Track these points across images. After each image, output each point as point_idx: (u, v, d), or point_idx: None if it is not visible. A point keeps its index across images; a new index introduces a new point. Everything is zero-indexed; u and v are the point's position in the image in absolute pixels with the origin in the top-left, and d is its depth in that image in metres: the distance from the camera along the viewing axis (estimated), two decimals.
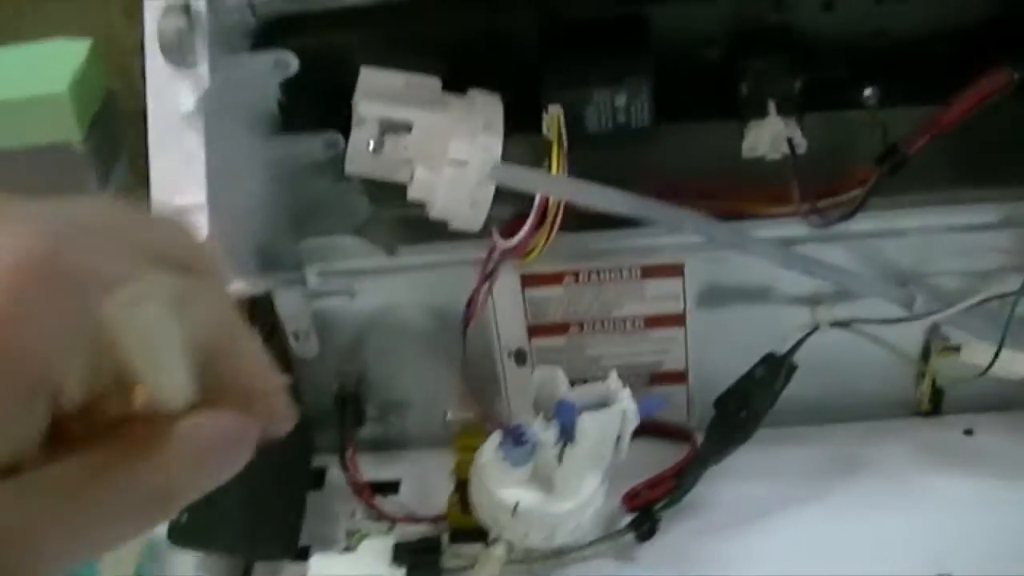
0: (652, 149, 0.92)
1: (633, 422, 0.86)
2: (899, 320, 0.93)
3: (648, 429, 0.93)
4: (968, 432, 1.00)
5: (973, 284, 0.94)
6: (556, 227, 0.86)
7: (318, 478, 1.02)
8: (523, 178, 0.85)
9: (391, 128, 0.86)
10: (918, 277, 0.94)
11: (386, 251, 0.95)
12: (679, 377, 0.98)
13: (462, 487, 0.93)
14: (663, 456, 0.96)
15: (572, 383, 0.89)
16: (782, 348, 0.92)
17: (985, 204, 0.93)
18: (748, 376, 0.92)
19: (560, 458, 0.84)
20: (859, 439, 1.00)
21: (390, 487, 1.01)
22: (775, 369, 0.91)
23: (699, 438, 0.96)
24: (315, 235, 0.96)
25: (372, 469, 1.00)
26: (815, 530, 0.92)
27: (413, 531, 0.95)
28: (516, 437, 0.85)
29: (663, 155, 0.92)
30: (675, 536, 0.93)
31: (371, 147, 0.86)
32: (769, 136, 0.88)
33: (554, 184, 0.85)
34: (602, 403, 0.86)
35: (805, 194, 0.89)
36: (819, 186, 0.90)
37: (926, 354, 0.98)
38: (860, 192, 0.88)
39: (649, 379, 0.99)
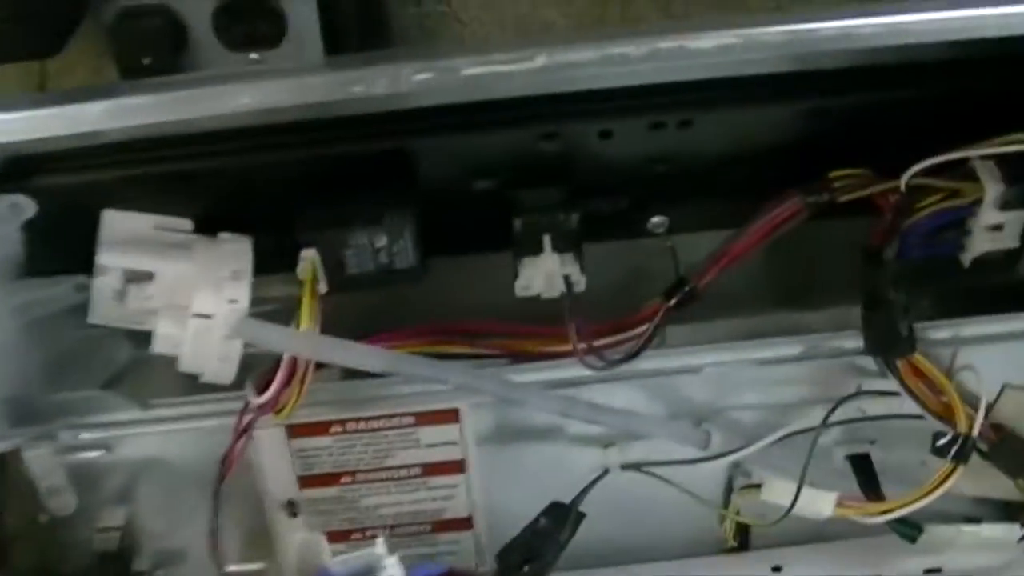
0: (423, 286, 0.85)
1: None
2: (696, 460, 0.87)
3: None
4: (776, 569, 0.94)
5: (774, 418, 0.88)
6: (306, 384, 0.79)
7: None
8: (268, 336, 0.77)
9: (134, 277, 0.79)
10: (715, 414, 0.89)
11: (139, 405, 0.87)
12: (464, 524, 0.91)
13: None
14: None
15: (347, 535, 0.86)
16: (574, 489, 0.85)
17: (784, 337, 0.87)
18: (531, 527, 0.85)
19: None
20: None
21: None
22: (560, 518, 0.85)
23: None
24: (71, 386, 0.87)
25: None
26: None
27: None
28: None
29: (435, 292, 0.86)
30: None
31: (113, 297, 0.80)
32: (544, 274, 0.82)
33: (301, 342, 0.78)
34: (368, 571, 0.79)
35: (583, 333, 0.82)
36: (602, 323, 0.84)
37: (728, 491, 0.91)
38: (646, 328, 0.82)
39: (432, 527, 0.91)
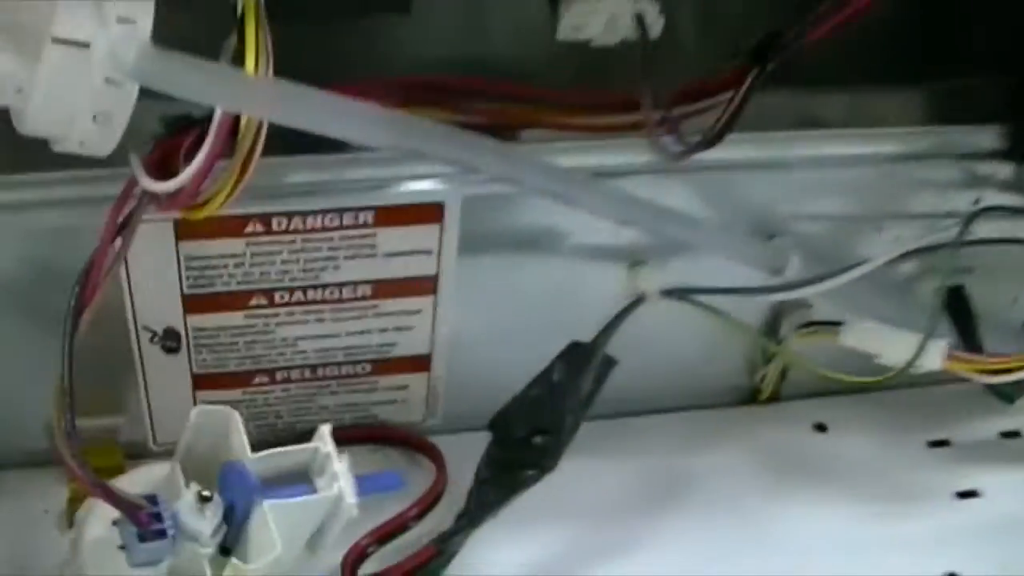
0: (404, 27, 0.56)
1: (348, 513, 0.54)
2: (761, 290, 0.62)
3: (376, 436, 0.64)
4: (820, 428, 0.71)
5: (863, 238, 0.66)
6: (252, 165, 0.48)
7: None
8: (192, 78, 0.45)
9: None
10: (787, 227, 0.64)
11: None
12: (418, 365, 0.64)
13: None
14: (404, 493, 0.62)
15: (246, 379, 0.60)
16: (579, 322, 0.60)
17: (904, 128, 0.64)
18: (543, 380, 0.59)
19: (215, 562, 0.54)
20: (683, 447, 0.70)
21: None
22: (581, 364, 0.59)
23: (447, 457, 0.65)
24: None
25: None
26: None
27: None
28: (143, 520, 0.51)
29: (424, 33, 0.57)
30: None
31: None
32: (607, 9, 0.53)
33: (249, 90, 0.47)
34: (300, 472, 0.54)
35: (656, 100, 0.55)
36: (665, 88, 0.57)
37: (775, 328, 0.69)
38: (729, 99, 0.55)
39: (372, 368, 0.63)
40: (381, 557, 0.62)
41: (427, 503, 0.63)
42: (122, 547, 0.52)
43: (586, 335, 0.61)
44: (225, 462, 0.54)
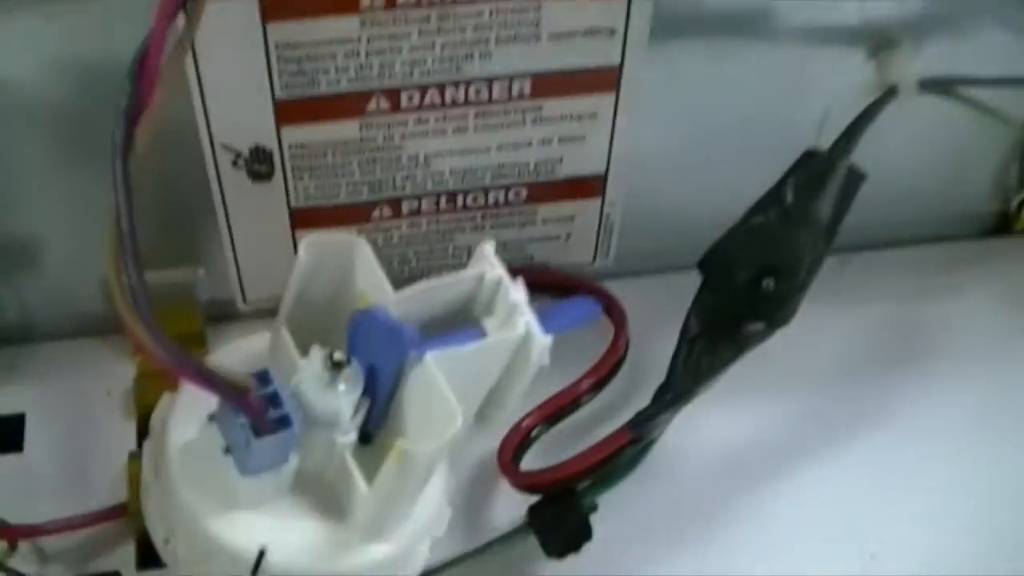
0: None
1: (539, 360, 0.39)
2: None
3: (532, 283, 0.42)
4: None
5: None
6: None
7: None
8: None
9: None
10: None
11: None
12: (589, 188, 0.48)
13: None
14: (571, 357, 0.46)
15: (363, 213, 0.46)
16: (805, 136, 0.45)
17: None
18: (770, 203, 0.43)
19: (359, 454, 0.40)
20: (924, 288, 0.56)
21: (4, 435, 0.49)
22: (820, 181, 0.43)
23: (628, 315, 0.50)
24: None
25: None
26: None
27: (58, 547, 0.46)
28: (255, 407, 0.35)
29: None
30: (623, 540, 0.48)
31: None
32: None
33: None
34: (456, 313, 0.40)
35: None
36: None
37: None
38: None
39: (528, 194, 0.47)
40: (548, 444, 0.48)
41: (605, 370, 0.49)
42: (227, 450, 0.37)
43: (824, 133, 0.45)
44: (356, 311, 0.38)
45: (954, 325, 0.56)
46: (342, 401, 0.37)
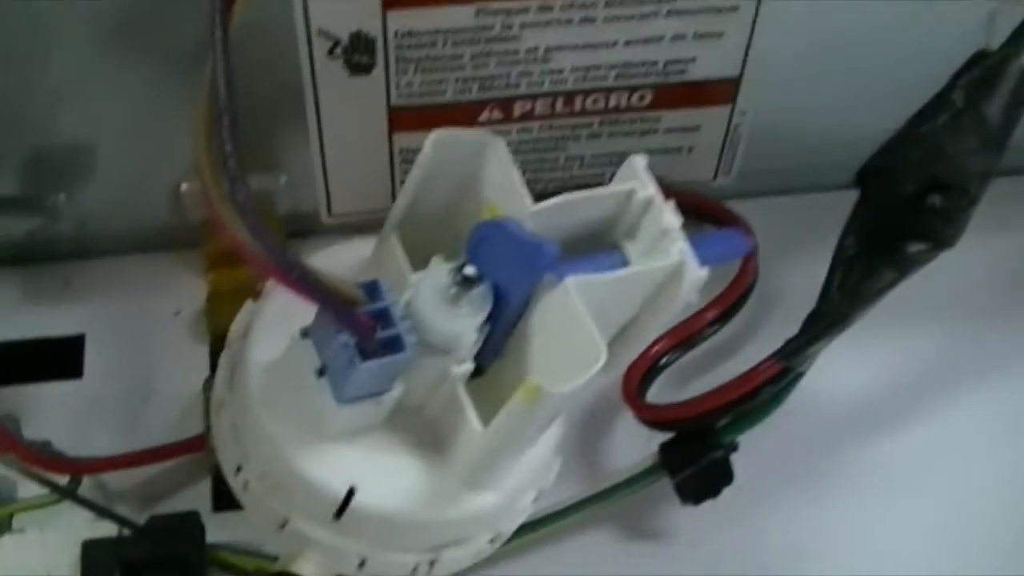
0: None
1: (689, 293, 0.33)
2: None
3: None
4: None
5: None
6: None
7: None
8: None
9: None
10: None
11: None
12: (719, 93, 0.42)
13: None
14: None
15: (473, 111, 0.40)
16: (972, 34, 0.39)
17: None
18: (937, 109, 0.37)
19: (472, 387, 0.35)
20: None
21: (60, 357, 0.44)
22: (990, 84, 0.37)
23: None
24: None
25: (24, 313, 0.46)
26: None
27: (123, 484, 0.42)
28: (363, 323, 0.30)
29: None
30: (763, 484, 0.43)
31: None
32: None
33: None
34: (597, 235, 0.34)
35: None
36: None
37: None
38: None
39: (653, 98, 0.41)
40: (670, 378, 0.43)
41: (731, 299, 0.43)
42: (321, 372, 0.31)
43: (994, 31, 0.38)
44: (482, 222, 0.32)
45: None
46: (465, 324, 0.31)
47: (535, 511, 0.38)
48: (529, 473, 0.35)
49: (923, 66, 0.39)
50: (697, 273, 0.32)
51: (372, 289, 0.31)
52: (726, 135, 0.45)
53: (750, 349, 0.43)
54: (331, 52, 0.39)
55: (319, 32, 0.38)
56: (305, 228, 0.45)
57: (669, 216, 0.33)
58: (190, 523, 0.38)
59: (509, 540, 0.37)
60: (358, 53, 0.39)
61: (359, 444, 0.33)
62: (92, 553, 0.38)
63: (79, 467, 0.40)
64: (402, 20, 0.38)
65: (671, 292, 0.33)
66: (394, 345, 0.30)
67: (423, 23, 0.38)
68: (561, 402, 0.31)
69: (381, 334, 0.30)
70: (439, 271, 0.31)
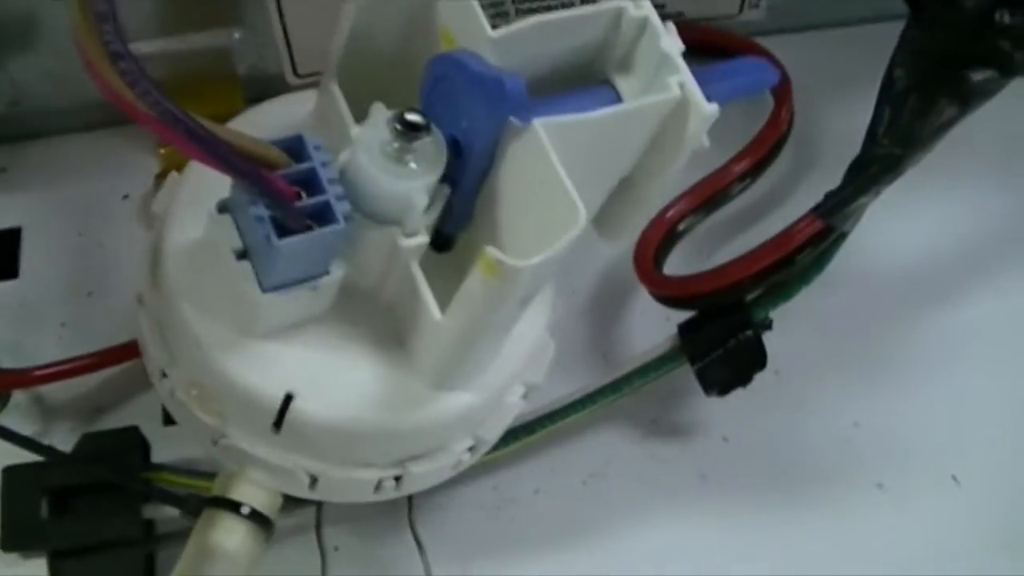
0: None
1: (693, 141, 0.27)
2: None
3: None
4: None
5: None
6: None
7: None
8: None
9: None
10: None
11: None
12: None
13: None
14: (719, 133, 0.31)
15: None
16: None
17: None
18: None
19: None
20: None
21: None
22: None
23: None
24: None
25: None
26: None
27: (63, 397, 0.37)
28: (279, 188, 0.24)
29: None
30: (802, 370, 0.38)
31: None
32: None
33: None
34: (586, 68, 0.28)
35: None
36: None
37: None
38: None
39: None
40: (695, 244, 0.38)
41: (763, 148, 0.37)
42: (242, 254, 0.25)
43: None
44: (436, 56, 0.26)
45: None
46: (414, 184, 0.25)
47: (529, 410, 0.32)
48: (513, 365, 0.29)
49: None
50: (704, 110, 0.26)
51: (295, 145, 0.25)
52: None
53: (786, 208, 0.38)
54: None
55: None
56: (273, 91, 0.39)
57: (668, 41, 0.26)
58: (128, 441, 0.34)
59: (497, 447, 0.31)
60: None
61: (300, 341, 0.27)
62: (14, 480, 0.33)
63: (8, 381, 0.34)
64: None
65: (675, 135, 0.26)
66: (323, 216, 0.24)
67: None
68: (533, 278, 0.24)
69: (306, 202, 0.24)
70: (379, 119, 0.25)
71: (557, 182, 0.24)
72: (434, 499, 0.34)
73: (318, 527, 0.32)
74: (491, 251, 0.23)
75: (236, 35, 0.39)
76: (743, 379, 0.34)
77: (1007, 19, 0.32)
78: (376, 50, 0.28)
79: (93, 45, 0.22)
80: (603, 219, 0.29)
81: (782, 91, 0.38)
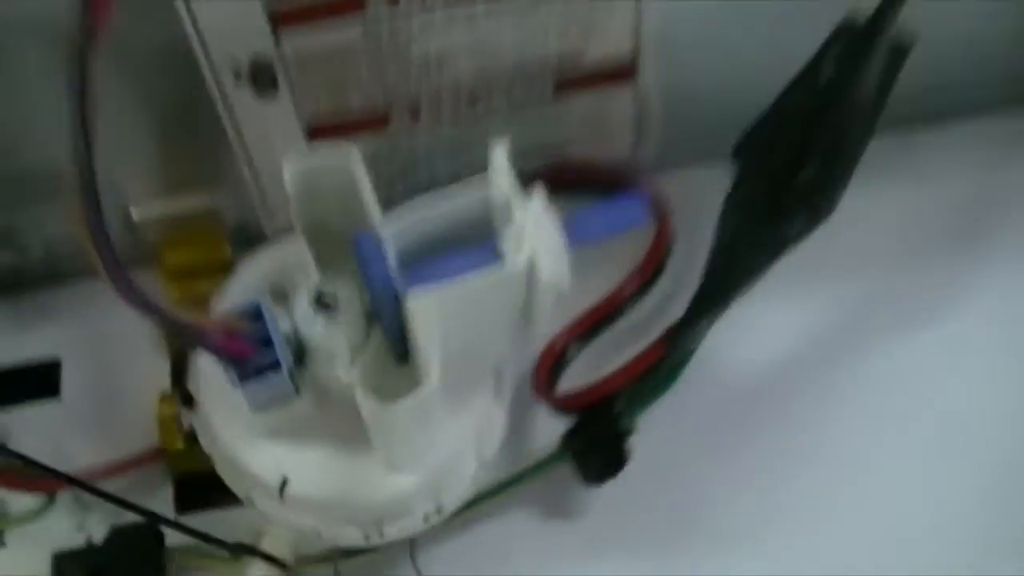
0: None
1: (548, 298, 0.34)
2: None
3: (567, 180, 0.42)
4: None
5: None
6: None
7: None
8: None
9: None
10: None
11: None
12: (618, 74, 0.42)
13: (180, 377, 0.44)
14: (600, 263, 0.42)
15: (378, 122, 0.40)
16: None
17: None
18: (807, 80, 0.37)
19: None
20: (991, 161, 0.48)
21: (38, 380, 0.47)
22: (860, 51, 0.36)
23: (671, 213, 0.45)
24: None
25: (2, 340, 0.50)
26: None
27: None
28: (228, 350, 0.32)
29: None
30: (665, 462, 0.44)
31: None
32: None
33: None
34: (479, 224, 0.33)
35: None
36: None
37: None
38: None
39: (555, 84, 0.42)
40: (593, 358, 0.44)
41: (647, 273, 0.44)
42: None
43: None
44: (355, 233, 0.34)
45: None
46: (335, 339, 0.33)
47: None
48: (460, 444, 0.36)
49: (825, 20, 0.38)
50: (549, 278, 0.33)
51: (254, 313, 0.32)
52: (635, 113, 0.44)
53: (669, 318, 0.42)
54: (237, 79, 0.39)
55: (221, 61, 0.38)
56: (255, 238, 0.45)
57: (523, 216, 0.33)
58: (147, 532, 0.41)
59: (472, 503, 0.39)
60: (262, 77, 0.39)
61: (293, 435, 0.36)
62: (61, 564, 0.41)
63: (54, 483, 0.42)
64: (295, 42, 0.38)
65: (533, 291, 0.33)
66: (271, 367, 0.32)
67: (315, 43, 0.39)
68: (404, 416, 0.32)
69: (259, 358, 0.32)
70: (303, 296, 0.33)
71: (419, 345, 0.32)
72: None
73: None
74: (360, 395, 0.32)
75: (220, 197, 0.45)
76: (613, 472, 0.40)
77: (811, 174, 0.37)
78: (324, 216, 0.34)
79: (87, 242, 0.29)
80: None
81: (662, 220, 0.44)
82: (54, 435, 0.45)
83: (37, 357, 0.48)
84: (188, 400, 0.40)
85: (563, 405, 0.42)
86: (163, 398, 0.43)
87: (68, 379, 0.47)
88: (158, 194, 0.43)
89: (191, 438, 0.41)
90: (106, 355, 0.47)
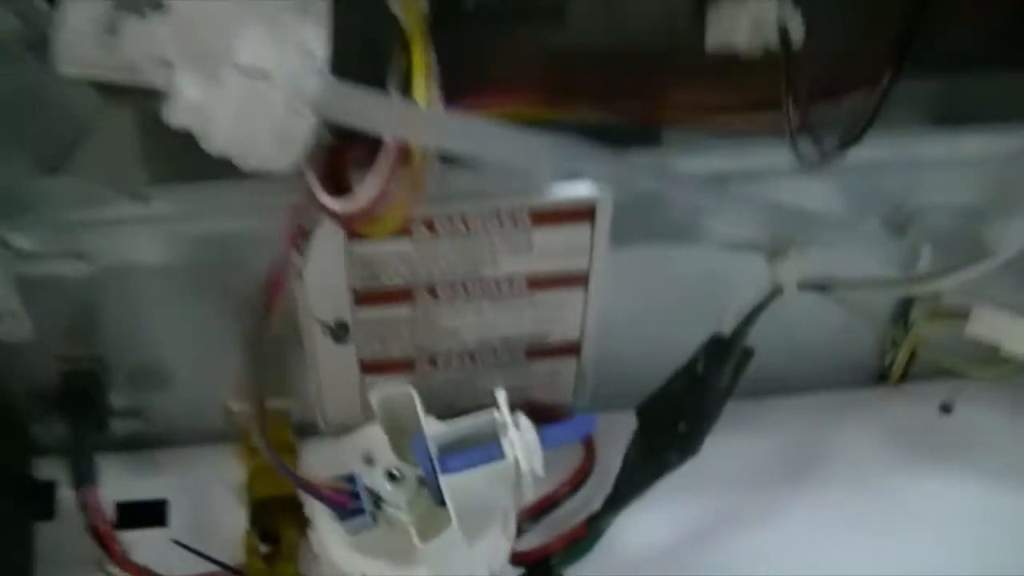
0: (557, 27, 0.56)
1: (528, 481, 0.53)
2: (896, 283, 0.62)
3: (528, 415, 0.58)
4: (945, 409, 0.70)
5: (991, 230, 0.61)
6: (423, 184, 0.49)
7: (45, 500, 0.64)
8: (371, 112, 0.46)
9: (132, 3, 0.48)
10: (919, 222, 0.61)
11: (131, 196, 0.54)
12: (569, 350, 0.64)
13: (261, 513, 0.63)
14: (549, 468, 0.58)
15: (407, 365, 0.61)
16: (723, 313, 0.59)
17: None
18: (686, 373, 0.60)
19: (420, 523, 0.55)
20: (816, 426, 0.70)
21: (152, 513, 0.65)
22: (721, 357, 0.59)
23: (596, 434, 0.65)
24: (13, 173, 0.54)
25: (125, 481, 0.65)
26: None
27: None
28: (335, 502, 0.53)
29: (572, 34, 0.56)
30: None
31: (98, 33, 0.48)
32: (750, 20, 0.52)
33: (423, 123, 0.48)
34: (490, 431, 0.53)
35: (798, 103, 0.52)
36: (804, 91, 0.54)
37: (904, 315, 0.67)
38: (867, 98, 0.52)
39: (527, 353, 0.63)
40: (545, 528, 0.63)
41: (578, 478, 0.64)
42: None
43: (728, 321, 0.59)
44: (413, 435, 0.54)
45: (838, 454, 0.69)
46: (399, 496, 0.54)
47: None
48: (475, 563, 0.55)
49: (706, 327, 0.59)
50: (530, 467, 0.52)
51: (349, 479, 0.53)
52: (577, 374, 0.66)
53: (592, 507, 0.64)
54: (324, 331, 0.61)
55: (316, 320, 0.60)
56: (310, 431, 0.67)
57: (513, 432, 0.53)
58: None
59: None
60: (340, 331, 0.61)
61: (371, 549, 0.55)
62: None
63: None
64: (365, 313, 0.60)
65: (519, 477, 0.54)
66: (358, 512, 0.53)
67: (377, 316, 0.60)
68: (442, 553, 0.52)
69: (351, 505, 0.53)
70: (380, 471, 0.54)
71: (449, 506, 0.52)
72: None
73: None
74: (412, 532, 0.52)
75: (293, 403, 0.66)
76: None
77: (683, 428, 0.59)
78: (396, 425, 0.55)
79: (261, 446, 0.50)
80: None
81: (588, 444, 0.65)
82: (163, 551, 0.61)
83: (152, 497, 0.65)
84: (265, 536, 0.61)
85: (518, 559, 0.61)
86: (248, 532, 0.62)
87: (174, 513, 0.65)
88: (246, 397, 0.60)
89: (267, 559, 0.62)
90: (203, 499, 0.65)
